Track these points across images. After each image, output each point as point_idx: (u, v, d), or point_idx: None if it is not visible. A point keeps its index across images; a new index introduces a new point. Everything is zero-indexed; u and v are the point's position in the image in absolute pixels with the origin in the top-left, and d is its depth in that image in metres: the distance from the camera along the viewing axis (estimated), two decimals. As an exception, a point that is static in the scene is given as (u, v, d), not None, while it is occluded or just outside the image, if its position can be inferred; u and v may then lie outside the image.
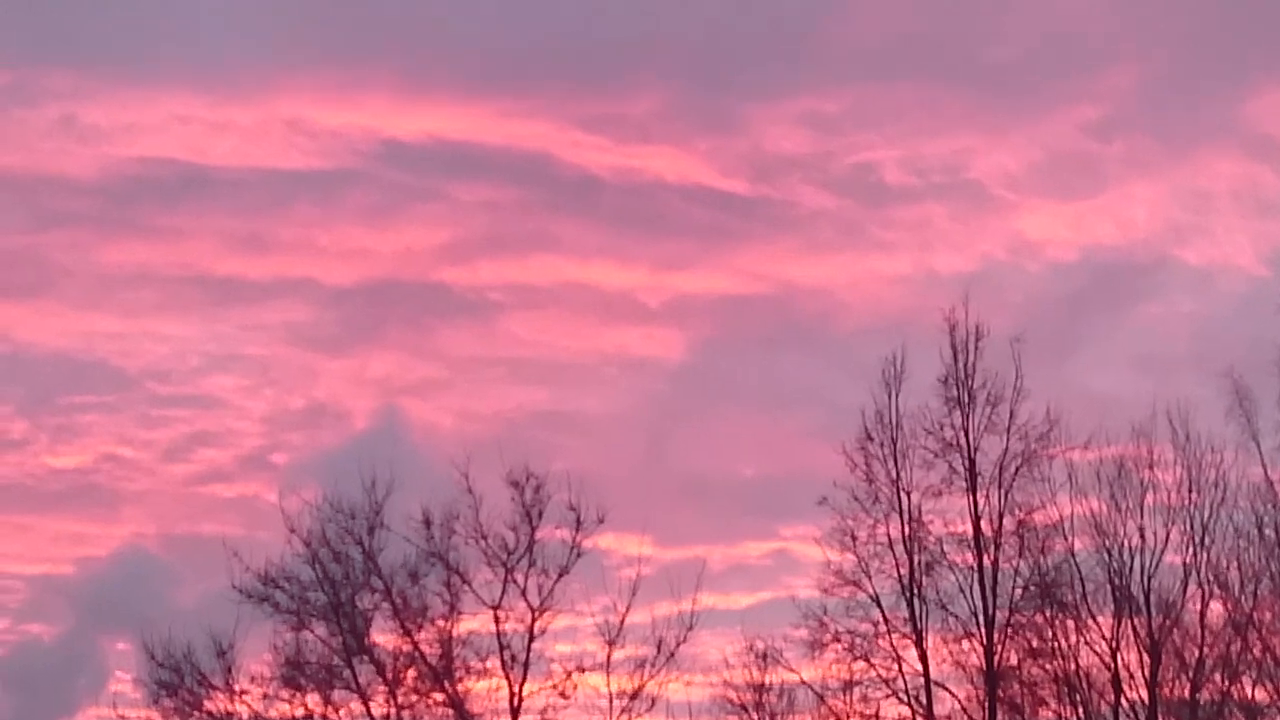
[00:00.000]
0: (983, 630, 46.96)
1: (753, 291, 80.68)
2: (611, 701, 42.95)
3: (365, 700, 43.25)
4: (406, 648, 43.91)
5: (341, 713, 43.33)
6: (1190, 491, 49.12)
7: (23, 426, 78.34)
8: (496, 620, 43.43)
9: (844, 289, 79.94)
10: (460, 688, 43.55)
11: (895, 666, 47.20)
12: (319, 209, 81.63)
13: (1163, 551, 48.85)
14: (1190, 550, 48.96)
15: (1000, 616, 47.05)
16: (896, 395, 47.55)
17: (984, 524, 47.15)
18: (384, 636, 44.18)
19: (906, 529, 47.10)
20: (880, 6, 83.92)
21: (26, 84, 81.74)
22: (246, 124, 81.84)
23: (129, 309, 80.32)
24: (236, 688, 43.02)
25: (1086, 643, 48.71)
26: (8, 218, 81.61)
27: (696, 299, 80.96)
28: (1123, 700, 48.50)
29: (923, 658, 47.12)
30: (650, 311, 79.96)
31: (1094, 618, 48.72)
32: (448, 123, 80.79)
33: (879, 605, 47.28)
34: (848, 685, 47.49)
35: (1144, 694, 48.42)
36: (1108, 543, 48.79)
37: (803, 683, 48.15)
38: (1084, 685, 48.64)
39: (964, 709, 47.59)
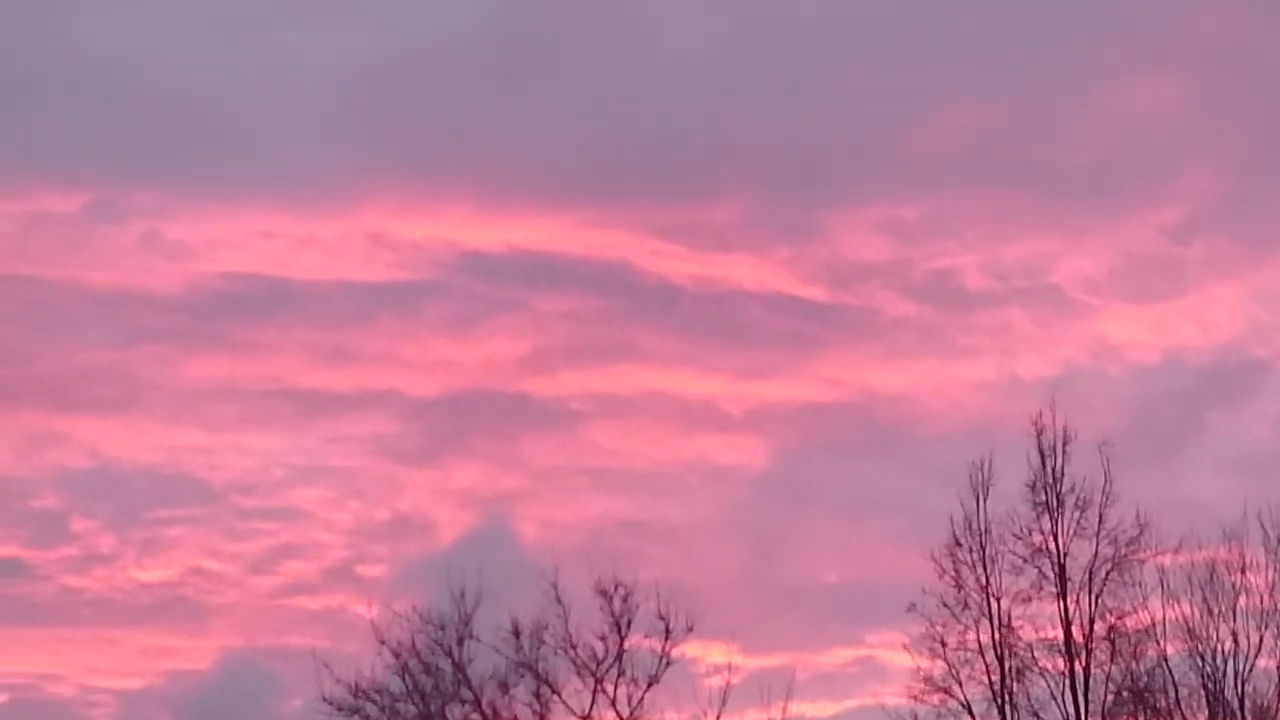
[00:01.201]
0: (1076, 737, 46.64)
1: (834, 399, 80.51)
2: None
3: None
4: (497, 758, 43.96)
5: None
6: (1283, 594, 48.68)
7: (111, 541, 78.74)
8: (586, 730, 43.49)
9: (926, 395, 79.64)
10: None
11: (988, 774, 46.90)
12: (402, 321, 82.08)
13: (1256, 655, 48.40)
14: (1284, 654, 48.47)
15: (1093, 723, 46.75)
16: (984, 501, 47.51)
17: (1075, 629, 46.95)
18: (474, 747, 44.26)
19: (996, 635, 46.94)
20: (956, 113, 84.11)
21: (112, 202, 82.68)
22: (329, 238, 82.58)
23: (214, 423, 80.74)
24: (328, 800, 43.19)
25: (1181, 748, 48.25)
26: (95, 334, 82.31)
27: (778, 407, 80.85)
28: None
29: (1016, 765, 46.79)
30: (733, 420, 79.93)
31: (1188, 723, 48.26)
32: (528, 234, 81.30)
33: (970, 712, 47.04)
34: (940, 794, 47.14)
35: (1240, 800, 47.85)
36: (1200, 647, 48.36)
37: (894, 791, 47.77)
38: (1180, 792, 48.13)
39: (1058, 816, 47.15)
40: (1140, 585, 47.66)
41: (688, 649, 44.09)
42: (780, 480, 76.49)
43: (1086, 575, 47.03)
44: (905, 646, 47.75)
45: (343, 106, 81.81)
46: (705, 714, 43.53)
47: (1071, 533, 47.12)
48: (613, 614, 43.35)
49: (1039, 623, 47.20)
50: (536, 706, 43.65)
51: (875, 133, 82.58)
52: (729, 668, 43.83)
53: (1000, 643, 46.87)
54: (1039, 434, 47.58)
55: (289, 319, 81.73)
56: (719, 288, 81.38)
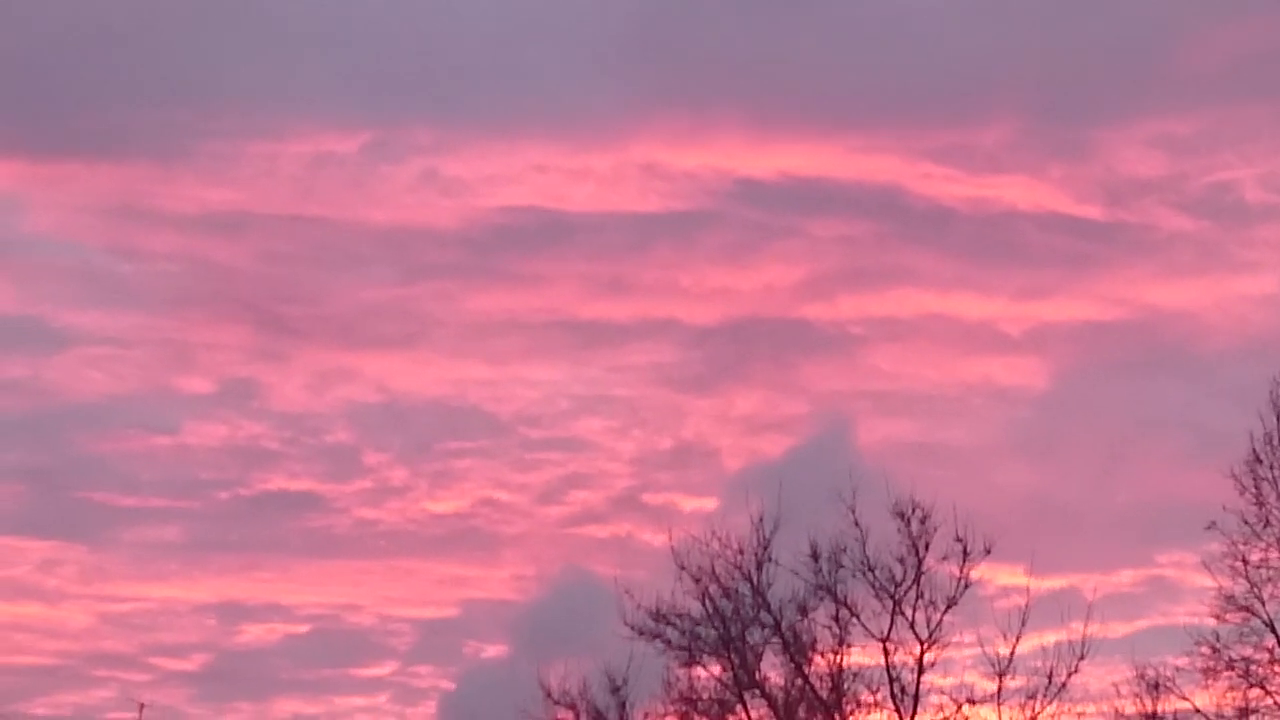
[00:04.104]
0: (1384, 654, 45.75)
1: (1114, 317, 79.93)
2: (1002, 735, 42.93)
3: (758, 734, 43.79)
4: (797, 682, 44.32)
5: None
6: None
7: (403, 474, 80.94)
8: (885, 653, 43.65)
9: (1207, 311, 78.76)
10: (851, 721, 43.87)
11: (1292, 693, 46.23)
12: (678, 250, 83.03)
13: None
14: None
15: (1401, 639, 45.79)
16: (1285, 416, 46.57)
17: (1381, 545, 45.93)
18: (774, 671, 44.71)
19: (1299, 552, 46.14)
20: (1232, 26, 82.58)
21: (391, 141, 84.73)
22: (603, 170, 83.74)
23: (498, 355, 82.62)
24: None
25: None
26: (380, 271, 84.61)
27: (1058, 327, 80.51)
28: None
29: (1321, 683, 46.06)
30: (1012, 341, 79.74)
31: None
32: (800, 160, 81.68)
33: (1273, 630, 46.17)
34: (1243, 713, 46.50)
35: None
36: None
37: (1197, 711, 47.23)
38: None
39: (1365, 734, 46.35)
40: None
41: (975, 571, 44.12)
42: (1063, 400, 76.28)
43: (1392, 491, 46.01)
44: (1203, 564, 47.22)
45: (614, 39, 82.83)
46: (1005, 636, 43.46)
47: (1376, 448, 46.12)
48: (910, 536, 43.42)
49: (1344, 538, 46.31)
50: (836, 629, 43.98)
51: (1149, 47, 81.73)
52: (1027, 590, 43.73)
53: (1304, 560, 46.12)
54: (1340, 347, 46.71)
55: (566, 251, 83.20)
56: (992, 209, 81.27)
